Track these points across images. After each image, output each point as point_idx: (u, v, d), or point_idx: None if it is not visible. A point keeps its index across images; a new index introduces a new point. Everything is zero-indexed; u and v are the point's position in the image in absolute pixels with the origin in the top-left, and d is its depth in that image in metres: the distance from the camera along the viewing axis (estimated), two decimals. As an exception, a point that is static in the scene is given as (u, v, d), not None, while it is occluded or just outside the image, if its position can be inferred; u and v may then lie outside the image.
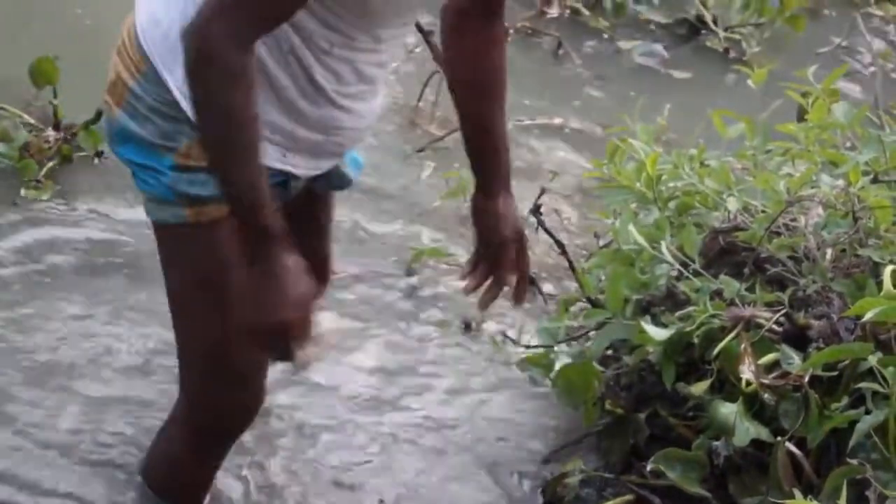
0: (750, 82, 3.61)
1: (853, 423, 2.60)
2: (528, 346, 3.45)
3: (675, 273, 3.04)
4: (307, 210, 2.58)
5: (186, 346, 2.48)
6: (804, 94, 3.44)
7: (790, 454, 2.69)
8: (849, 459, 2.58)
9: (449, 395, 3.34)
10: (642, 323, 2.90)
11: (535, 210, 3.78)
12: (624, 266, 3.14)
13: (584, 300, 3.40)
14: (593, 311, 3.15)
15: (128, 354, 3.23)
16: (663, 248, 3.03)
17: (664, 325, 2.91)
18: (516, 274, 2.57)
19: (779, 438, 2.70)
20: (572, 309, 3.42)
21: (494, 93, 2.49)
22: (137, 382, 3.14)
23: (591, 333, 3.24)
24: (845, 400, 2.67)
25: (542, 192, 3.85)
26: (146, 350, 3.23)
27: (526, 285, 2.59)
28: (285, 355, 2.25)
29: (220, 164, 2.16)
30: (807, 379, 2.70)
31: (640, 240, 3.06)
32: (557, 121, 5.03)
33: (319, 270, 2.55)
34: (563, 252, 3.69)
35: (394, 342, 3.50)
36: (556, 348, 3.27)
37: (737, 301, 2.87)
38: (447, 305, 3.70)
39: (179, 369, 2.52)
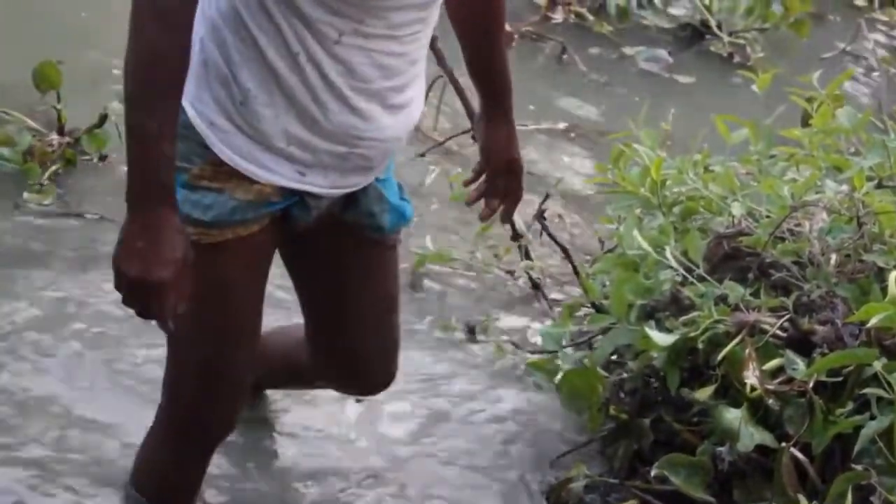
0: (754, 87, 3.61)
1: (858, 429, 2.60)
2: (532, 352, 3.45)
3: (679, 278, 3.03)
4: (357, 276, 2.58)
5: (177, 355, 2.49)
6: (808, 99, 3.44)
7: (795, 459, 2.69)
8: (853, 465, 2.58)
9: (451, 400, 3.33)
10: (646, 328, 2.89)
11: (540, 215, 3.79)
12: (628, 271, 3.13)
13: (588, 305, 3.39)
14: (597, 317, 3.15)
15: (124, 357, 3.22)
16: (668, 254, 3.03)
17: (668, 331, 2.90)
18: (508, 198, 2.66)
19: (783, 444, 2.70)
20: (576, 314, 3.41)
21: (493, 28, 2.56)
22: (132, 385, 3.14)
23: (596, 339, 3.23)
24: (850, 405, 2.67)
25: (547, 196, 3.86)
26: (143, 353, 3.22)
27: (514, 209, 2.69)
28: (149, 313, 2.26)
29: (133, 103, 2.14)
30: (811, 384, 2.70)
31: (645, 245, 3.06)
32: (561, 125, 5.03)
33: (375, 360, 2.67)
34: (568, 257, 3.69)
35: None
36: (560, 353, 3.27)
37: (741, 306, 2.87)
38: (450, 310, 3.69)
39: (166, 376, 2.53)
